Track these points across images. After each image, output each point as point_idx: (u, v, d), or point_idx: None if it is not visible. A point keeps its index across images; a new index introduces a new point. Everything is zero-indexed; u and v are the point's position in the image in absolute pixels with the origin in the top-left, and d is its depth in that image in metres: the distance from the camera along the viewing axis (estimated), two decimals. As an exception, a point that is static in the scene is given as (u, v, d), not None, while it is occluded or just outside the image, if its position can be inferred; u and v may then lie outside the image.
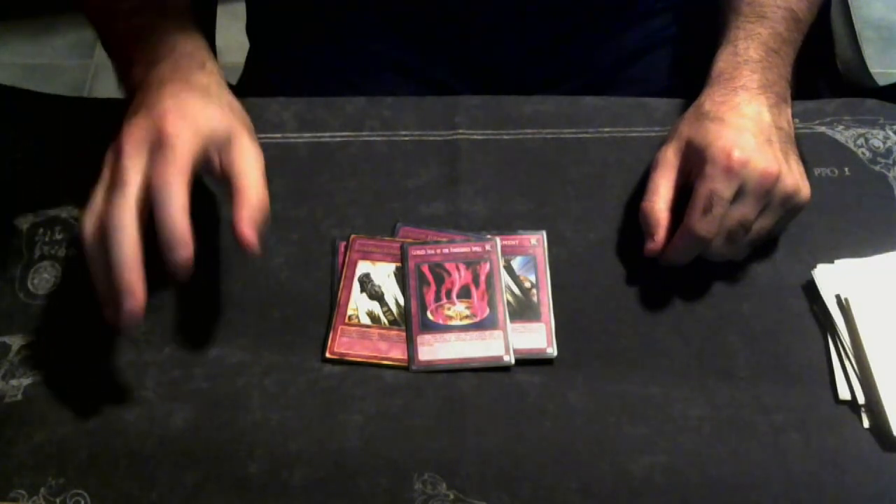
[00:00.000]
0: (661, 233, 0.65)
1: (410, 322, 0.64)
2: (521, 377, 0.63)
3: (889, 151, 0.74)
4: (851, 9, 0.92)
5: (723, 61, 0.69)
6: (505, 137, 0.74)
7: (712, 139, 0.63)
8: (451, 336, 0.64)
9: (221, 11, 0.97)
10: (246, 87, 0.90)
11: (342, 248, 0.67)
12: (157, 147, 0.56)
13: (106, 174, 0.58)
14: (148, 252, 0.68)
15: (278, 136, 0.73)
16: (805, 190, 0.64)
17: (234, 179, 0.59)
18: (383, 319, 0.64)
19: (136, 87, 0.63)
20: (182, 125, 0.57)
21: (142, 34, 0.65)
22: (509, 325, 0.64)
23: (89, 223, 0.57)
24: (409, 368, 0.63)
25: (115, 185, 0.56)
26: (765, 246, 0.67)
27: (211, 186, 0.69)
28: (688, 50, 0.85)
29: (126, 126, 0.58)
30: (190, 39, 0.65)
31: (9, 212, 0.70)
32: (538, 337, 0.64)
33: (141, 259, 0.55)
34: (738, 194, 0.62)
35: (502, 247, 0.67)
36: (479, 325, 0.64)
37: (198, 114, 0.59)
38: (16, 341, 0.64)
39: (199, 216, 0.68)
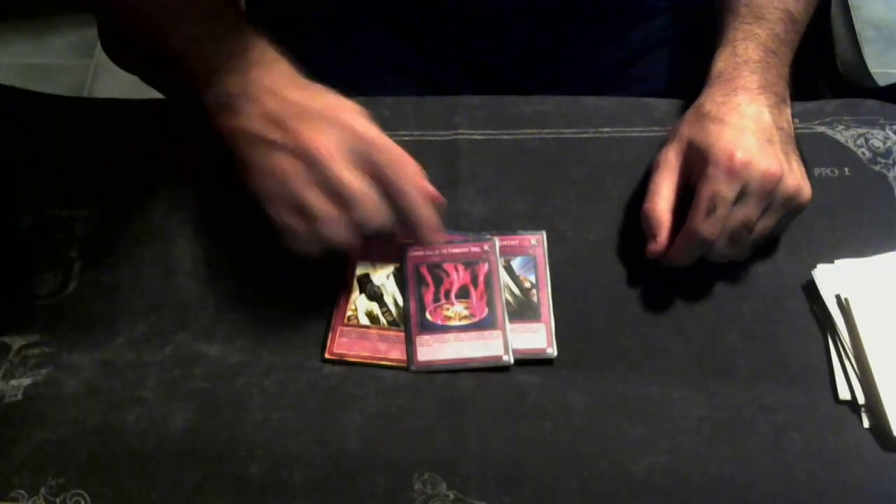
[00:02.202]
0: (663, 234, 0.65)
1: (409, 322, 0.64)
2: (520, 377, 0.63)
3: (889, 151, 0.74)
4: (851, 9, 0.91)
5: (722, 62, 0.69)
6: (505, 137, 0.74)
7: (713, 140, 0.63)
8: (450, 336, 0.64)
9: (221, 11, 0.97)
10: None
11: (342, 249, 0.67)
12: (369, 151, 0.60)
13: (313, 192, 0.59)
14: (153, 251, 0.69)
15: (278, 136, 0.73)
16: (806, 190, 0.64)
17: (398, 198, 0.61)
18: (382, 320, 0.64)
19: (228, 92, 0.64)
20: (360, 118, 0.61)
21: (219, 44, 0.66)
22: (508, 325, 0.64)
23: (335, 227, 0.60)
24: (409, 369, 0.63)
25: (355, 201, 0.59)
26: (765, 246, 0.67)
27: (208, 187, 0.69)
28: (688, 50, 0.85)
29: (308, 132, 0.60)
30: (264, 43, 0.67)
31: (9, 212, 0.70)
32: (538, 337, 0.64)
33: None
34: (741, 195, 0.62)
35: (502, 247, 0.67)
36: (478, 326, 0.64)
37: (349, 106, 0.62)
38: (16, 341, 0.64)
39: (201, 217, 0.69)
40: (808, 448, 0.60)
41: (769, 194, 0.62)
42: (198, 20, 0.67)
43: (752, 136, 0.63)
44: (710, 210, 0.62)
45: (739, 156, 0.62)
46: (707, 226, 0.62)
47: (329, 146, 0.59)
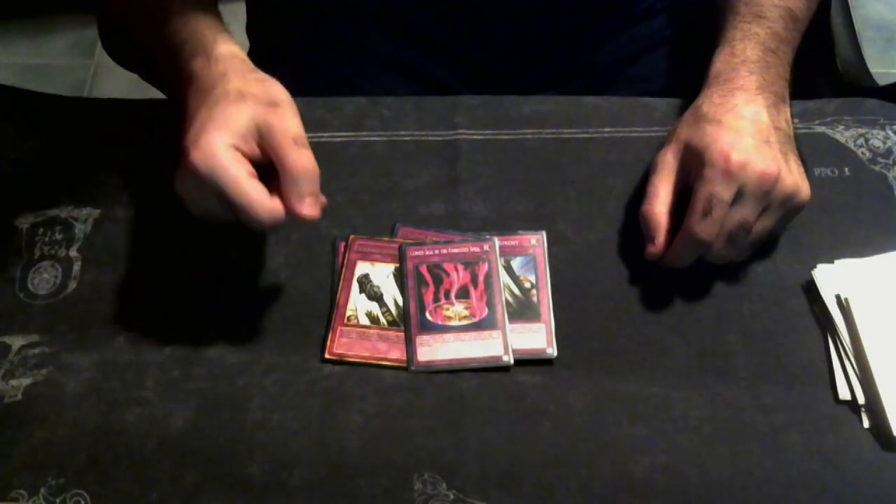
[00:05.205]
0: (661, 236, 0.65)
1: (409, 322, 0.64)
2: (520, 377, 0.63)
3: (889, 151, 0.74)
4: (851, 9, 0.91)
5: (720, 62, 0.69)
6: (505, 137, 0.74)
7: (710, 142, 0.63)
8: (450, 336, 0.64)
9: (221, 11, 0.97)
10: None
11: (342, 249, 0.67)
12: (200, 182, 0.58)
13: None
14: (153, 251, 0.69)
15: (278, 136, 0.73)
16: (805, 190, 0.64)
17: (276, 162, 0.59)
18: (382, 320, 0.64)
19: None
20: (204, 158, 0.58)
21: (171, 43, 0.65)
22: (508, 326, 0.64)
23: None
24: (409, 369, 0.63)
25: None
26: (765, 246, 0.67)
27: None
28: (688, 50, 0.85)
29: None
30: (193, 35, 0.64)
31: (9, 212, 0.70)
32: (538, 337, 0.64)
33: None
34: (738, 196, 0.62)
35: (502, 247, 0.67)
36: (478, 326, 0.64)
37: (217, 130, 0.58)
38: (16, 341, 0.64)
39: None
40: (808, 448, 0.60)
41: (766, 195, 0.62)
42: (152, 34, 0.66)
43: (748, 137, 0.63)
44: (707, 211, 0.62)
45: (735, 157, 0.62)
46: (704, 227, 0.62)
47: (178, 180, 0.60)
